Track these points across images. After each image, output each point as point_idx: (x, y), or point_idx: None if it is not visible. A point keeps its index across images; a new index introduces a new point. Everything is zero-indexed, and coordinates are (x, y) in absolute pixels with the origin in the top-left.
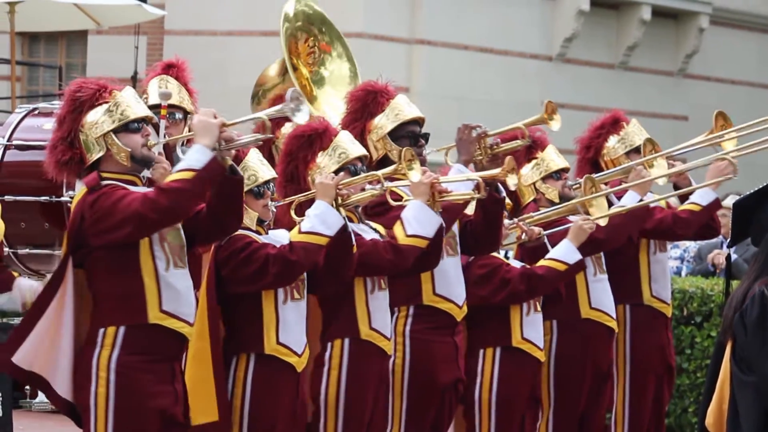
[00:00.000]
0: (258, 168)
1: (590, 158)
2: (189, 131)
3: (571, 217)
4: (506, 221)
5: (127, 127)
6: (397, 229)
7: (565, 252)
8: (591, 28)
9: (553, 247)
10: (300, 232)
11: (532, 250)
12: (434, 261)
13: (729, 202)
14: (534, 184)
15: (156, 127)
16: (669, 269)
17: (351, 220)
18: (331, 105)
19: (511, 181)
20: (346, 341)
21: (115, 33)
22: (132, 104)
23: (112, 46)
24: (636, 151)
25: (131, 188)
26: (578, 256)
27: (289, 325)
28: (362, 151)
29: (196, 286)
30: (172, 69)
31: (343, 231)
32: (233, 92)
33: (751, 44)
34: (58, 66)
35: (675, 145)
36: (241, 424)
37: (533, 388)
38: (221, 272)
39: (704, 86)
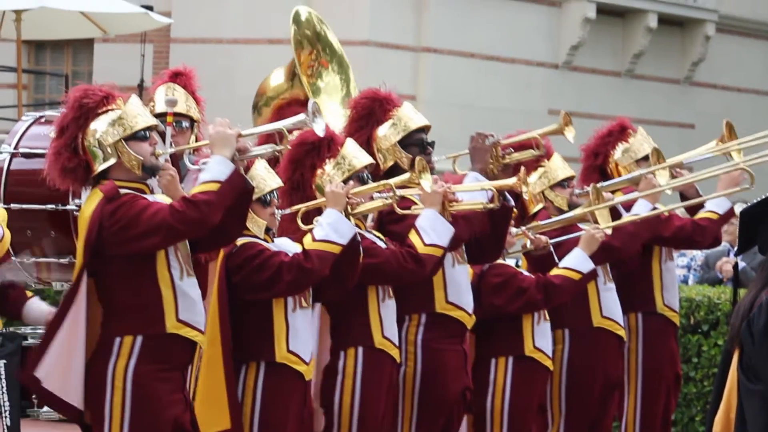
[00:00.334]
0: (265, 176)
1: (598, 165)
2: (197, 141)
3: (581, 225)
4: (513, 229)
5: (135, 136)
6: (414, 239)
7: (578, 261)
8: (597, 35)
9: (560, 255)
10: (314, 240)
11: (539, 259)
12: (437, 271)
13: (736, 210)
14: (543, 192)
15: (162, 135)
16: (677, 277)
17: (358, 228)
18: (329, 112)
19: (523, 190)
20: (360, 350)
21: (122, 41)
22: (140, 113)
23: (118, 55)
24: (644, 159)
25: (148, 197)
26: (591, 265)
27: (298, 333)
28: (369, 160)
29: (202, 294)
30: (179, 77)
31: (353, 240)
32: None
33: (757, 52)
34: (64, 74)
35: (681, 152)
36: None
37: (541, 397)
38: (233, 279)
39: (710, 94)
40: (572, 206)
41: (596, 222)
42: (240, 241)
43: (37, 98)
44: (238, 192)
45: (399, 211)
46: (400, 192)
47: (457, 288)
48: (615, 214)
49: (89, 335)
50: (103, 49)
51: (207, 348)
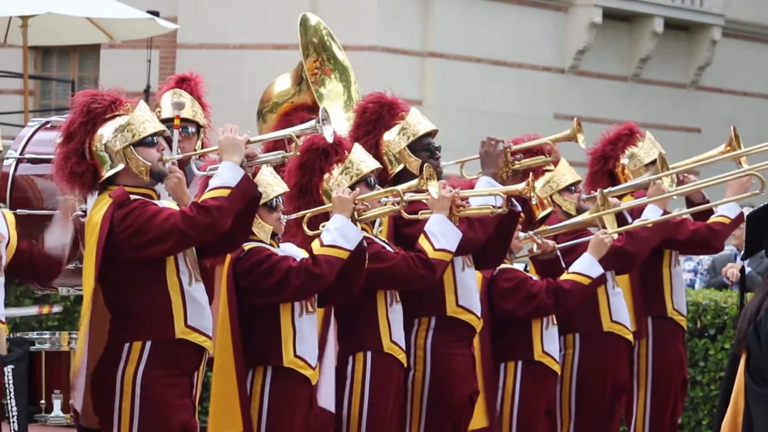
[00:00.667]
0: (271, 182)
1: (607, 170)
2: (203, 146)
3: (590, 230)
4: (520, 234)
5: (143, 142)
6: (424, 243)
7: (587, 265)
8: (603, 40)
9: (569, 260)
10: (322, 245)
11: (546, 264)
12: (442, 275)
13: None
14: (551, 197)
15: (168, 141)
16: (684, 282)
17: (365, 233)
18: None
19: (532, 196)
20: (369, 354)
21: (128, 47)
22: (147, 118)
23: (124, 60)
24: (652, 164)
25: (157, 203)
26: (600, 270)
27: (305, 337)
28: (377, 164)
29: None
30: (185, 82)
31: (360, 245)
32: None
33: (763, 56)
34: (70, 80)
35: (688, 157)
36: None
37: (549, 401)
38: (241, 284)
39: (717, 98)
40: (580, 211)
41: (604, 227)
42: (247, 245)
43: (43, 104)
44: (248, 198)
45: (406, 216)
46: (408, 197)
47: (467, 291)
48: (621, 219)
49: (97, 340)
50: (109, 54)
51: (219, 354)
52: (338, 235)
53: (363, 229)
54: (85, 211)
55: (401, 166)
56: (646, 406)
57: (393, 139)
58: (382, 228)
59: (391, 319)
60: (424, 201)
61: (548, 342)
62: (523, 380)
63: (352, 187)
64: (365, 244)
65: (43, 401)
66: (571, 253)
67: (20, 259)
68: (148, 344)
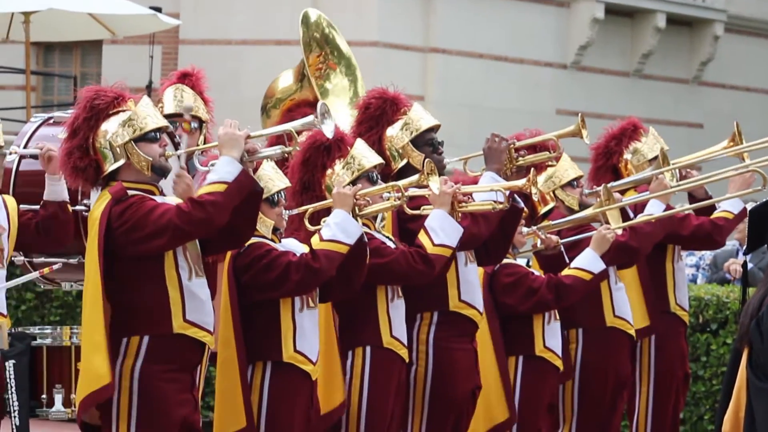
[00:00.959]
0: (272, 177)
1: (611, 165)
2: (206, 142)
3: (593, 225)
4: (523, 229)
5: (145, 137)
6: (424, 239)
7: (589, 261)
8: (605, 36)
9: (573, 255)
10: (322, 240)
11: (549, 259)
12: (446, 270)
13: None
14: (554, 192)
15: (171, 136)
16: (686, 277)
17: (368, 228)
18: (338, 113)
19: (533, 191)
20: (368, 349)
21: (130, 42)
22: (150, 114)
23: (127, 56)
24: (655, 159)
25: (156, 199)
26: (602, 265)
27: (305, 332)
28: (379, 159)
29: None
30: (187, 78)
31: (360, 240)
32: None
33: (766, 51)
34: (73, 76)
35: (690, 153)
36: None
37: (551, 396)
38: (241, 279)
39: (719, 94)
40: (582, 206)
41: (607, 222)
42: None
43: (45, 100)
44: (245, 193)
45: (409, 211)
46: (410, 192)
47: (469, 286)
48: (623, 215)
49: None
50: (111, 50)
51: (221, 349)
52: (338, 229)
53: (364, 224)
54: (88, 206)
55: (404, 162)
56: (649, 401)
57: (396, 134)
58: (385, 223)
59: (392, 315)
60: (427, 196)
61: (550, 337)
62: (525, 375)
63: (353, 183)
64: (366, 240)
65: (44, 396)
66: (574, 249)
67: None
68: (146, 339)
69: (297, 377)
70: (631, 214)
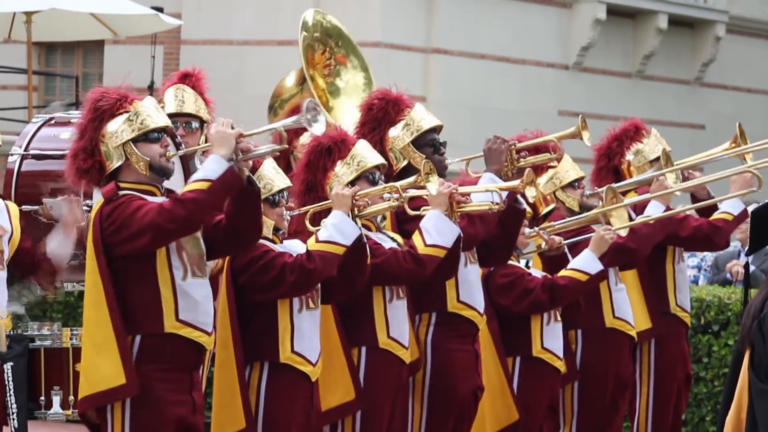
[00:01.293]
0: (273, 177)
1: (613, 166)
2: (206, 141)
3: (594, 227)
4: (526, 230)
5: (146, 137)
6: (416, 239)
7: (586, 262)
8: (607, 37)
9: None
10: (317, 241)
11: (553, 260)
12: (451, 270)
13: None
14: (554, 193)
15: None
16: (688, 278)
17: (369, 229)
18: (348, 114)
19: (530, 193)
20: (363, 350)
21: (132, 43)
22: (152, 114)
23: (128, 56)
24: (657, 160)
25: (149, 198)
26: (600, 266)
27: (304, 333)
28: (380, 160)
29: (215, 295)
30: (188, 78)
31: (359, 241)
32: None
33: (767, 52)
34: (74, 76)
35: (692, 154)
36: None
37: (552, 398)
38: (239, 280)
39: (721, 95)
40: (583, 207)
41: (608, 223)
42: None
43: (47, 100)
44: (232, 191)
45: (410, 212)
46: (409, 193)
47: (469, 287)
48: None
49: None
50: (113, 50)
51: (220, 350)
52: (334, 230)
53: (364, 225)
54: (90, 206)
55: (405, 162)
56: (650, 402)
57: (398, 134)
58: (385, 223)
59: (390, 315)
60: (425, 197)
61: (549, 338)
62: (522, 377)
63: (353, 183)
64: (365, 240)
65: (42, 398)
66: (577, 250)
67: (23, 257)
68: (138, 338)
69: (294, 378)
70: (633, 215)
